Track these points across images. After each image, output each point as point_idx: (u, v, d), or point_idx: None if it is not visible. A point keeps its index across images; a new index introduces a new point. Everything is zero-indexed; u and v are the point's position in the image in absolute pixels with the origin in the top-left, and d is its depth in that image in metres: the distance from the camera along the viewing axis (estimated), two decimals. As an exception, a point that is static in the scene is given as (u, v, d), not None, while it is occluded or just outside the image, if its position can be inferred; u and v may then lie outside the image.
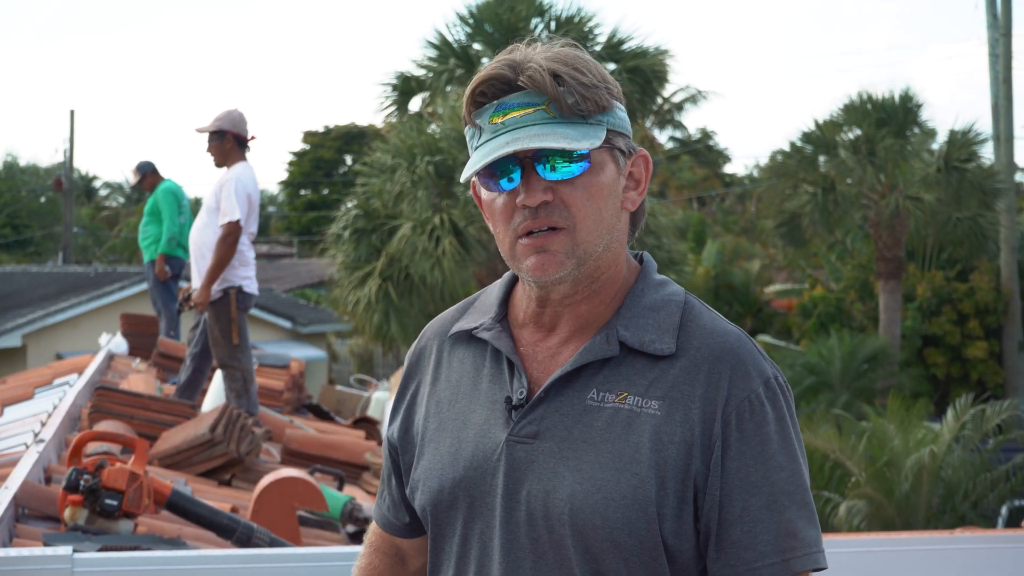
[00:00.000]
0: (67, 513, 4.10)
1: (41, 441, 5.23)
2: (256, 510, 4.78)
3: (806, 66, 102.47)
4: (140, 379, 8.30)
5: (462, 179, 1.83)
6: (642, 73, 18.15)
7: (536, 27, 18.61)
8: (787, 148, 21.95)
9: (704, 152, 44.88)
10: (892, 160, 20.52)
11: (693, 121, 61.94)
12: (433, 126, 17.00)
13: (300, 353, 19.76)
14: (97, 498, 4.08)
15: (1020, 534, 3.87)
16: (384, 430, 6.38)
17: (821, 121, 21.44)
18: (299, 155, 48.45)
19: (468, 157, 1.82)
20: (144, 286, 17.23)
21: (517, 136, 1.75)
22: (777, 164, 22.98)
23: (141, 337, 10.92)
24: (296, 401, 9.71)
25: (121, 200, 52.24)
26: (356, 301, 16.82)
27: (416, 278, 16.26)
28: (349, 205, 17.72)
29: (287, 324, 24.04)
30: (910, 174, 20.89)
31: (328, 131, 48.53)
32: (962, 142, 20.79)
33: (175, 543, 4.02)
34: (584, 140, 1.75)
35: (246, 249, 7.32)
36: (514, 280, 1.95)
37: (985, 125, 22.01)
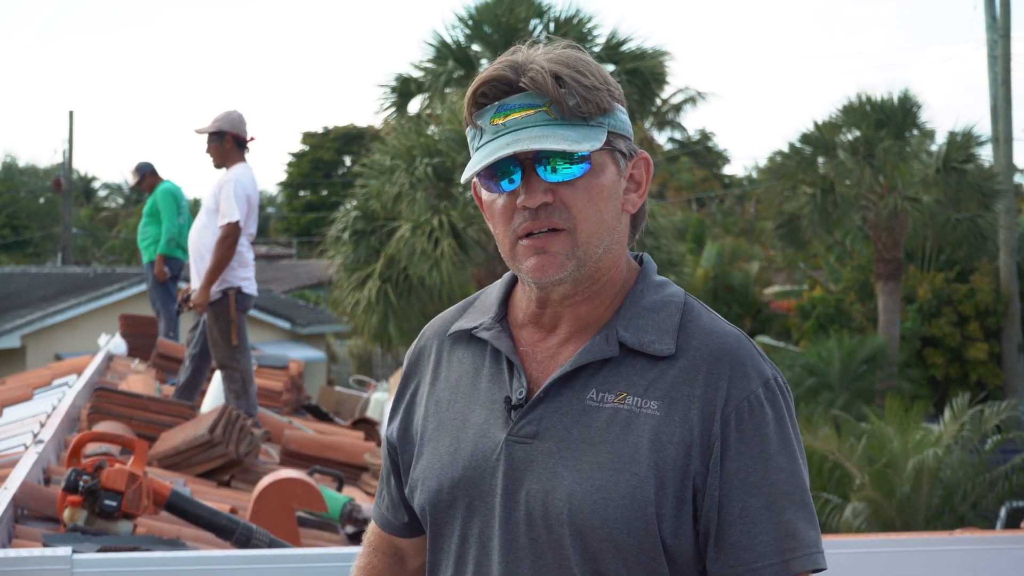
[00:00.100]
0: (66, 514, 4.11)
1: (40, 442, 5.23)
2: (255, 511, 4.78)
3: (805, 67, 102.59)
4: (139, 380, 8.30)
5: (463, 179, 1.83)
6: (641, 74, 18.16)
7: (535, 28, 18.62)
8: (786, 149, 21.95)
9: (703, 153, 44.89)
10: (891, 161, 20.53)
11: (692, 122, 62.03)
12: (432, 128, 17.00)
13: (299, 354, 19.76)
14: (96, 499, 4.08)
15: (1019, 535, 3.87)
16: (383, 430, 6.37)
17: (820, 122, 21.45)
18: (298, 156, 48.47)
19: (467, 159, 1.82)
20: (143, 287, 17.25)
21: (518, 137, 1.75)
22: (776, 165, 22.98)
23: (140, 338, 10.93)
24: (295, 402, 9.71)
25: (120, 201, 52.27)
26: (355, 302, 16.83)
27: (415, 279, 16.27)
28: (348, 206, 17.73)
29: (286, 325, 24.04)
30: (909, 175, 20.90)
31: (327, 132, 48.55)
32: (961, 143, 20.80)
33: (174, 544, 4.03)
34: (585, 142, 1.75)
35: (245, 250, 7.32)
36: (514, 280, 1.95)
37: (984, 127, 22.05)
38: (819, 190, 20.80)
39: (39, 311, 20.38)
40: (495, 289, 1.96)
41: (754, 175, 41.44)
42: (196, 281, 7.34)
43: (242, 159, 7.32)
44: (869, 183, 20.61)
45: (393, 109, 19.82)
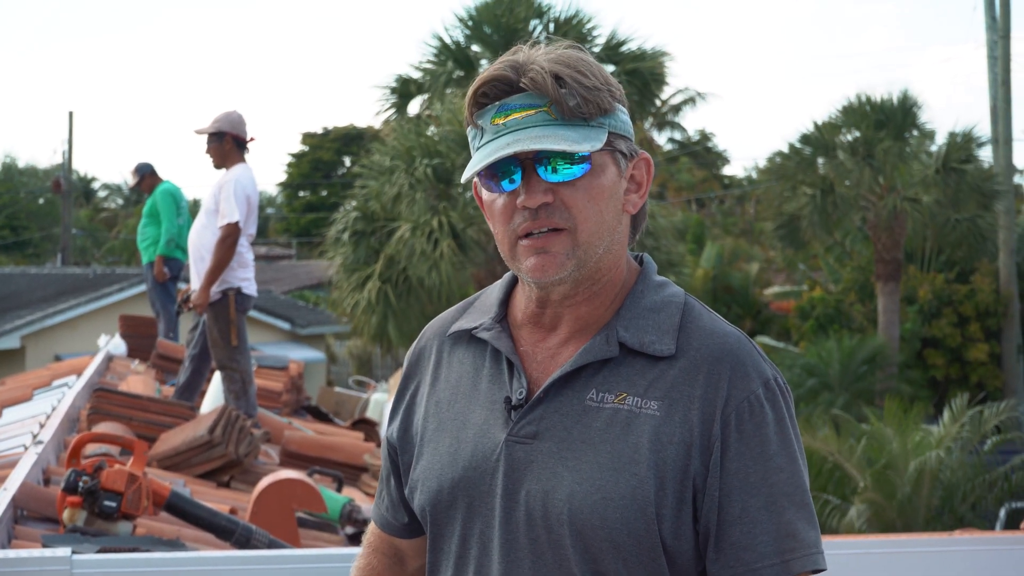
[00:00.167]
0: (66, 515, 4.10)
1: (40, 443, 5.23)
2: (255, 511, 4.78)
3: (805, 67, 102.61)
4: (139, 380, 8.30)
5: (463, 179, 1.83)
6: (641, 75, 18.17)
7: (535, 29, 18.63)
8: (786, 150, 21.96)
9: (703, 154, 44.90)
10: (891, 162, 20.54)
11: (692, 123, 61.97)
12: (432, 128, 17.01)
13: (299, 355, 19.76)
14: (96, 500, 4.08)
15: (1018, 536, 3.87)
16: (383, 430, 6.37)
17: (820, 123, 21.46)
18: (298, 157, 48.48)
19: (466, 160, 1.82)
20: (143, 288, 17.23)
21: (518, 137, 1.75)
22: (776, 166, 22.99)
23: (140, 339, 10.93)
24: (295, 403, 9.71)
25: (120, 202, 52.26)
26: (355, 303, 16.83)
27: (414, 280, 16.28)
28: (348, 207, 17.73)
29: (286, 326, 24.04)
30: (909, 176, 20.91)
31: (327, 132, 48.56)
32: (961, 144, 20.81)
33: (174, 544, 4.02)
34: (585, 142, 1.75)
35: (245, 251, 7.32)
36: (514, 281, 1.95)
37: (984, 127, 22.06)
38: (819, 191, 20.81)
39: (39, 312, 20.38)
40: (495, 290, 1.96)
41: (754, 176, 41.47)
42: (196, 282, 7.34)
43: (242, 160, 7.31)
44: (869, 184, 20.62)
45: (393, 111, 19.82)
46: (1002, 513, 14.17)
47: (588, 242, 1.79)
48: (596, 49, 18.29)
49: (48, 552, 3.32)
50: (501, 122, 1.78)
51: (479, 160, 1.78)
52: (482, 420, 1.85)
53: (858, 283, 23.84)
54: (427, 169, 16.05)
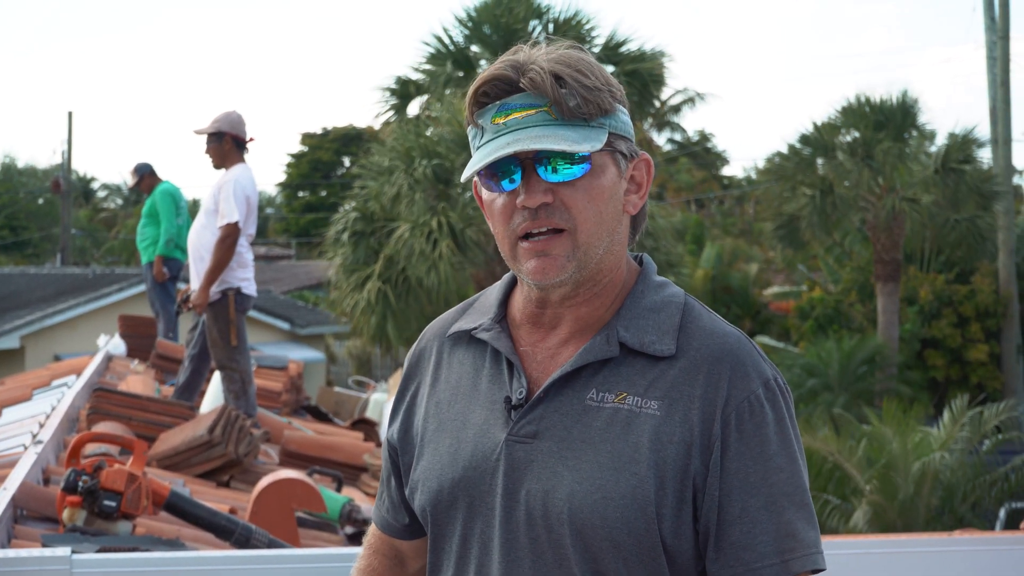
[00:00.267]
0: (66, 514, 4.11)
1: (39, 442, 5.23)
2: (255, 511, 4.78)
3: (804, 68, 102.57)
4: (138, 380, 8.29)
5: (463, 178, 1.84)
6: (640, 75, 18.17)
7: (534, 29, 18.62)
8: (785, 150, 21.96)
9: (702, 154, 44.91)
10: (890, 162, 20.54)
11: (691, 123, 61.93)
12: (431, 129, 17.01)
13: (298, 355, 19.76)
14: (96, 499, 4.08)
15: (1018, 536, 3.88)
16: (383, 431, 6.37)
17: (819, 123, 21.46)
18: (297, 157, 48.49)
19: (466, 160, 1.83)
20: (142, 288, 17.23)
21: (518, 137, 1.75)
22: (775, 166, 22.99)
23: (139, 338, 10.93)
24: (294, 402, 9.71)
25: (119, 202, 52.27)
26: (354, 303, 16.83)
27: (414, 280, 16.27)
28: (347, 207, 17.73)
29: (285, 326, 24.04)
30: (908, 176, 20.90)
31: (326, 133, 48.56)
32: (960, 144, 20.82)
33: (174, 544, 4.03)
34: (585, 142, 1.75)
35: (244, 251, 7.32)
36: (514, 281, 1.95)
37: (983, 128, 22.07)
38: (818, 191, 20.81)
39: (38, 312, 20.39)
40: (495, 290, 1.97)
41: (753, 176, 41.46)
42: (195, 282, 7.34)
43: (241, 160, 7.31)
44: (868, 184, 20.62)
45: (392, 112, 19.82)
46: (1002, 513, 14.18)
47: (588, 243, 1.79)
48: (595, 50, 18.29)
49: (48, 552, 3.33)
50: (501, 122, 1.78)
51: (479, 159, 1.78)
52: (482, 420, 1.85)
53: (858, 283, 23.84)
54: (426, 170, 16.04)
